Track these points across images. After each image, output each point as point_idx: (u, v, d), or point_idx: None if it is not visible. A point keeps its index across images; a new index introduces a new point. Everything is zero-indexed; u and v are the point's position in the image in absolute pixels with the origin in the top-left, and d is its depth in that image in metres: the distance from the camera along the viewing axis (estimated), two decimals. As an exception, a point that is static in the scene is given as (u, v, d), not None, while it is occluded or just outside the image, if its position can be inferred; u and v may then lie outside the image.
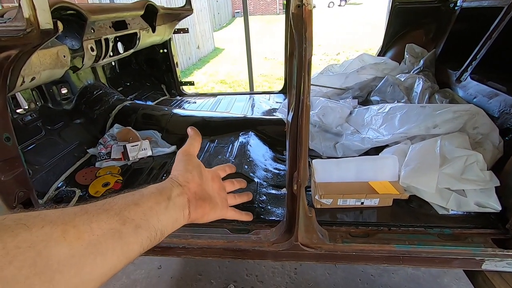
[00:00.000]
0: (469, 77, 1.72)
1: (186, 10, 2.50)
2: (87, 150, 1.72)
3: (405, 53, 2.23)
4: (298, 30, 0.79)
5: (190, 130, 0.60)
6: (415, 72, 2.02)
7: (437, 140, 1.22)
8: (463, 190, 1.10)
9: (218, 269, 1.93)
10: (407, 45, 2.25)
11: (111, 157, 1.65)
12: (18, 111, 1.63)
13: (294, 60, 0.85)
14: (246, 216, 0.69)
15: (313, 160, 1.25)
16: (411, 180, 1.15)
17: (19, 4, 0.92)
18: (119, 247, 0.35)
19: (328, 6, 25.29)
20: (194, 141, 0.58)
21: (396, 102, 1.74)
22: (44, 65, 1.22)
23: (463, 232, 1.08)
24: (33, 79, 1.20)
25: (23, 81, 1.14)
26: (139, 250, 0.38)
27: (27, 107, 1.62)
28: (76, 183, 1.49)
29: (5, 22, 0.95)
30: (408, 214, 1.18)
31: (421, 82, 1.74)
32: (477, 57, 1.70)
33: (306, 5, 0.79)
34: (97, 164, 1.61)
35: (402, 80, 1.89)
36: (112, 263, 0.34)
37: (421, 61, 2.03)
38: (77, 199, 1.39)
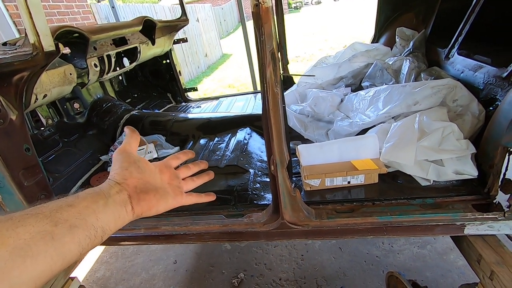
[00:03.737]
0: (456, 53, 1.73)
1: (182, 21, 2.65)
2: (100, 157, 1.90)
3: (396, 37, 2.25)
4: (256, 25, 0.89)
5: (125, 129, 0.60)
6: (405, 54, 2.04)
7: (416, 116, 1.27)
8: (441, 160, 1.14)
9: (229, 260, 2.04)
10: (397, 29, 2.27)
11: (121, 162, 1.81)
12: (41, 128, 1.84)
13: (259, 53, 0.94)
14: (206, 197, 0.65)
15: (298, 146, 1.33)
16: (390, 155, 1.20)
17: (25, 33, 1.08)
18: (52, 249, 0.35)
19: (334, 0, 25.03)
20: (130, 138, 0.58)
21: (384, 85, 1.78)
22: (53, 83, 1.40)
23: (445, 201, 1.12)
24: (45, 96, 1.37)
25: (37, 98, 1.32)
26: (77, 249, 0.38)
27: (45, 123, 1.81)
28: (91, 186, 1.65)
29: (16, 49, 1.12)
30: (394, 189, 1.23)
31: (408, 63, 1.77)
32: (463, 32, 1.71)
33: (262, 3, 0.89)
34: (109, 169, 1.78)
35: (391, 63, 1.92)
36: (46, 265, 0.34)
37: (411, 43, 2.05)
38: (92, 200, 1.55)
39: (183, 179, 0.63)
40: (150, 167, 0.56)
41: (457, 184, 1.17)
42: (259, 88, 4.73)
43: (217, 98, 2.96)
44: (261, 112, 2.22)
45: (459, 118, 1.27)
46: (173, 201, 0.55)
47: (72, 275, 1.41)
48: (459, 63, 1.68)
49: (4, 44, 1.24)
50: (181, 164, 0.66)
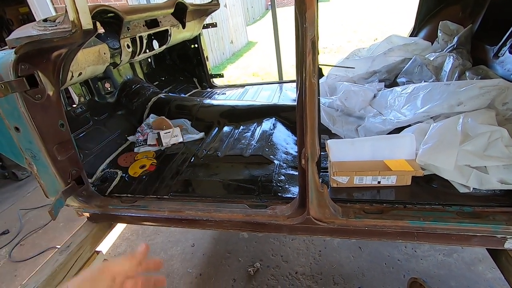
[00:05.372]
0: (508, 51, 1.59)
1: (213, 5, 2.61)
2: (127, 138, 1.94)
3: (438, 31, 2.10)
4: (299, 11, 0.85)
5: (140, 247, 0.56)
6: (448, 50, 1.90)
7: (459, 118, 1.18)
8: (485, 167, 1.06)
9: (245, 248, 2.05)
10: (440, 22, 2.11)
11: (147, 143, 1.84)
12: (74, 106, 1.89)
13: (298, 41, 0.90)
14: None
15: (328, 140, 1.29)
16: (428, 157, 1.13)
17: (66, 10, 1.09)
18: None
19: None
20: (127, 261, 0.53)
21: (423, 82, 1.67)
22: (88, 61, 1.42)
23: (485, 210, 1.04)
24: (80, 74, 1.40)
25: (72, 76, 1.34)
26: None
27: (77, 101, 1.86)
28: (118, 165, 1.70)
29: (55, 26, 1.14)
30: (427, 193, 1.16)
31: (451, 60, 1.65)
32: (517, 29, 1.57)
33: (307, -13, 0.83)
34: (135, 150, 1.82)
35: (431, 59, 1.80)
36: None
37: (455, 38, 1.91)
38: (119, 178, 1.59)
39: None
40: None
41: (499, 193, 1.08)
42: (285, 78, 4.65)
43: (242, 86, 2.93)
44: (287, 103, 2.18)
45: (509, 123, 1.17)
46: None
47: (97, 249, 1.46)
48: (510, 62, 1.54)
49: (45, 20, 1.26)
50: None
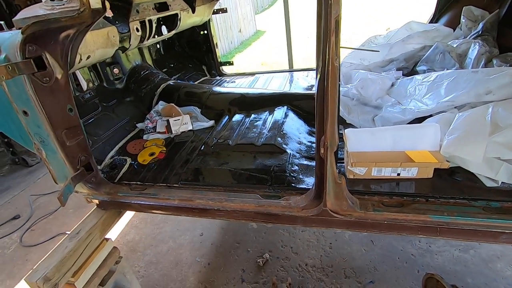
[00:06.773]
0: (539, 38, 1.49)
1: (224, -11, 2.52)
2: (136, 125, 1.91)
3: (461, 17, 1.99)
4: (324, -13, 0.78)
5: None
6: (472, 37, 1.80)
7: (489, 107, 1.11)
8: (517, 160, 0.99)
9: (254, 239, 2.03)
10: (464, 8, 2.00)
11: (156, 131, 1.80)
12: (84, 91, 1.85)
13: (321, 21, 0.83)
14: None
15: (345, 130, 1.23)
16: (454, 149, 1.06)
17: (73, -13, 1.04)
18: None
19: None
20: None
21: (446, 70, 1.58)
22: (97, 44, 1.37)
23: (514, 206, 0.98)
24: (88, 57, 1.35)
25: (81, 59, 1.30)
26: None
27: (85, 86, 1.83)
28: (127, 152, 1.67)
29: (63, 4, 1.09)
30: (451, 187, 1.10)
31: (477, 47, 1.55)
32: (551, 13, 1.46)
33: (332, -41, 0.76)
34: (144, 137, 1.78)
35: (455, 46, 1.70)
36: None
37: (480, 25, 1.80)
38: (128, 166, 1.56)
39: None
40: None
41: (531, 189, 1.02)
42: (295, 67, 4.54)
43: (253, 74, 2.86)
44: (299, 91, 2.10)
45: (542, 113, 1.09)
46: None
47: (106, 236, 1.45)
48: (541, 50, 1.45)
49: (52, -1, 1.21)
50: None
